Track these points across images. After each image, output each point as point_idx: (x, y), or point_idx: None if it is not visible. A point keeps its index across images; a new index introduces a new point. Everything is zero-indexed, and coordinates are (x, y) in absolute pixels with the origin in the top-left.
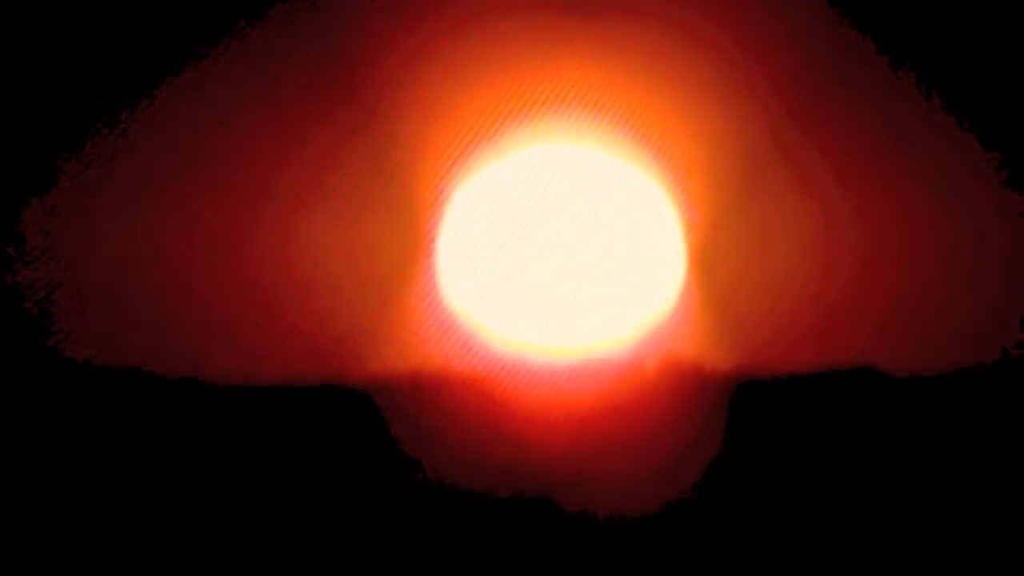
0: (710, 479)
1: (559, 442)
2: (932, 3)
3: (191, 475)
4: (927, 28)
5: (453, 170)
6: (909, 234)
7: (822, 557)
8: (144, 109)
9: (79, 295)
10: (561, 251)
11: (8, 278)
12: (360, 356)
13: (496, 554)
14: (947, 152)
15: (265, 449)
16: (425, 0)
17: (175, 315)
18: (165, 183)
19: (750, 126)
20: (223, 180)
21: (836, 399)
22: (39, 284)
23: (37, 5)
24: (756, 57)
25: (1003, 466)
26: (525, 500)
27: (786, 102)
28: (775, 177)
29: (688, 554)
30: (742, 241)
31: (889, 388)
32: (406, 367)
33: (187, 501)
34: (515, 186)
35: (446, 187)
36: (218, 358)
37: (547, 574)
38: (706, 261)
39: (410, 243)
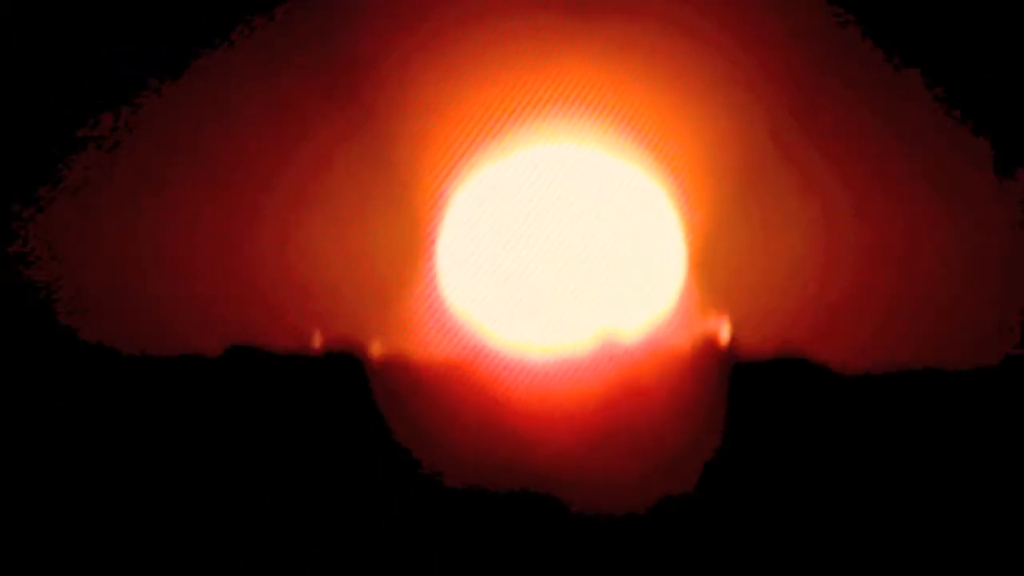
0: (709, 476)
1: (559, 439)
2: (933, 3)
3: (191, 475)
4: (928, 28)
5: (454, 170)
6: (910, 234)
7: (822, 555)
8: (143, 109)
9: (79, 295)
10: (561, 251)
11: (8, 278)
12: (361, 355)
13: (496, 554)
14: (948, 152)
15: (265, 448)
16: (425, 0)
17: (175, 315)
18: (164, 184)
19: (751, 126)
20: (223, 180)
21: (836, 398)
22: (39, 284)
23: (37, 5)
24: (757, 57)
25: (1003, 464)
26: (525, 499)
27: (787, 102)
28: (776, 177)
29: (686, 548)
30: (743, 241)
31: (890, 387)
32: (407, 366)
33: (187, 500)
34: (516, 186)
35: (446, 187)
36: (217, 358)
37: (547, 573)
38: (707, 261)
39: (410, 243)
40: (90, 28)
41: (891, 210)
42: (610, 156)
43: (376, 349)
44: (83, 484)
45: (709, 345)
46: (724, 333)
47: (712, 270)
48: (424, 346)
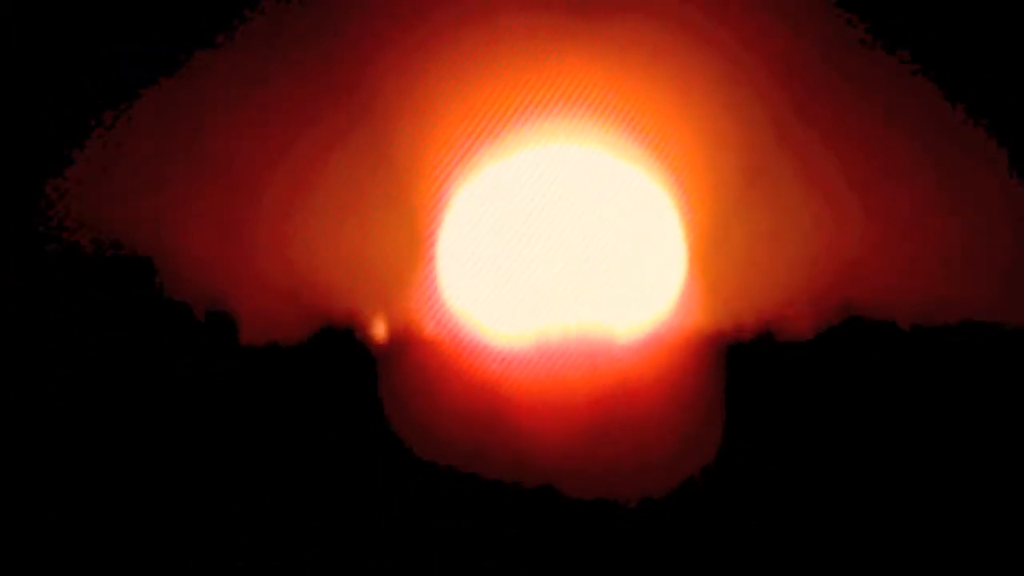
0: (710, 475)
1: (560, 437)
2: None
3: (191, 474)
4: (932, 20)
5: (454, 170)
6: (917, 231)
7: (821, 553)
8: (140, 107)
9: (79, 293)
10: (562, 251)
11: (8, 278)
12: (360, 354)
13: (496, 554)
14: (954, 145)
15: (265, 447)
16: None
17: (174, 314)
18: (163, 184)
19: (754, 125)
20: (222, 180)
21: (837, 396)
22: (39, 283)
23: (37, 5)
24: (760, 54)
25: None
26: (525, 499)
27: (790, 98)
28: (780, 174)
29: (687, 542)
30: (746, 240)
31: (894, 385)
32: (407, 366)
33: (187, 500)
34: (516, 186)
35: (447, 187)
36: (217, 358)
37: (547, 572)
38: (708, 260)
39: (410, 243)
40: (90, 26)
41: (898, 207)
42: (611, 156)
43: (376, 348)
44: (83, 484)
45: (709, 343)
46: (724, 331)
47: (714, 269)
48: (424, 345)
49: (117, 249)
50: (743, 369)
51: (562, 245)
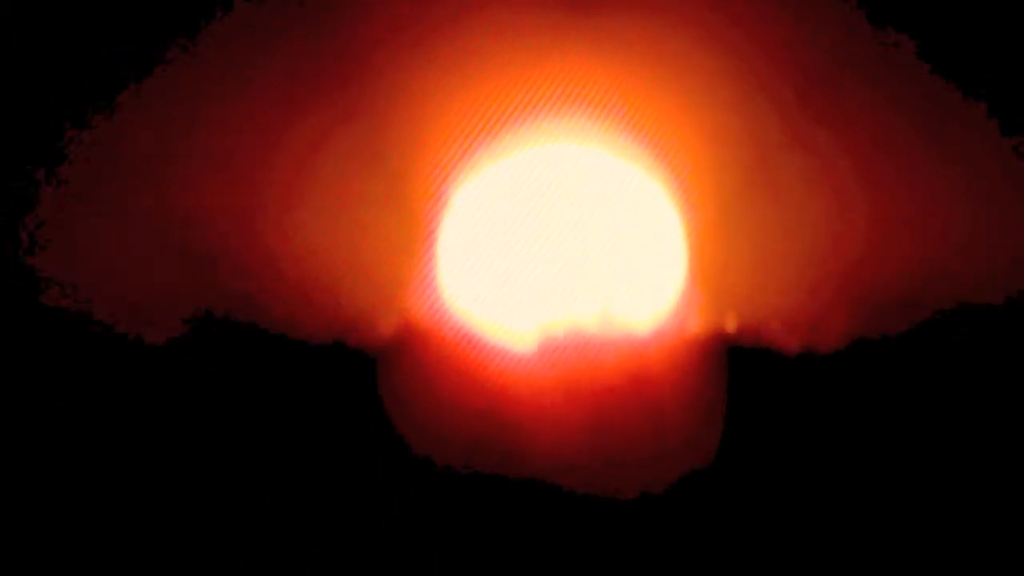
0: (709, 472)
1: (561, 436)
2: None
3: (191, 472)
4: (941, 11)
5: (454, 169)
6: (925, 229)
7: (821, 553)
8: (138, 105)
9: (78, 292)
10: (562, 250)
11: (8, 277)
12: (360, 353)
13: (496, 554)
14: (965, 141)
15: (264, 446)
16: None
17: (172, 315)
18: (162, 182)
19: (758, 120)
20: (220, 180)
21: (840, 396)
22: (39, 282)
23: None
24: (762, 46)
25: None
26: (525, 499)
27: (795, 93)
28: (784, 172)
29: (687, 542)
30: (748, 239)
31: (898, 384)
32: (407, 364)
33: (187, 499)
34: (516, 186)
35: (446, 187)
36: (216, 356)
37: (547, 572)
38: (709, 259)
39: (410, 242)
40: (83, 24)
41: (905, 201)
42: (611, 155)
43: (375, 346)
44: (83, 484)
45: (711, 342)
46: (725, 329)
47: (716, 267)
48: (424, 344)
49: (117, 248)
50: (745, 368)
51: (562, 244)
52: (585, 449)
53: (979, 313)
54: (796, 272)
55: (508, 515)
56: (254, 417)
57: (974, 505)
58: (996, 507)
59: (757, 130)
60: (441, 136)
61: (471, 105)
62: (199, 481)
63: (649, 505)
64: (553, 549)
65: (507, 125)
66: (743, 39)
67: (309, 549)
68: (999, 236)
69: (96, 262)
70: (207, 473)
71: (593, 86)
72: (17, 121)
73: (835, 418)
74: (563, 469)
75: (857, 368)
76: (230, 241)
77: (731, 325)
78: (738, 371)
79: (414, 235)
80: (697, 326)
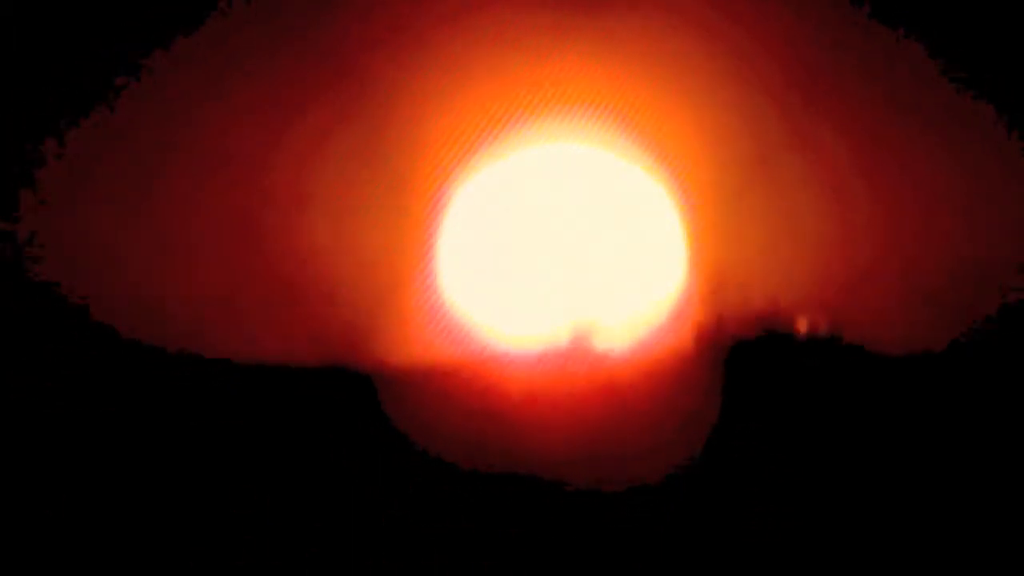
0: (709, 471)
1: (561, 435)
2: None
3: (191, 474)
4: (942, 10)
5: (454, 170)
6: (926, 229)
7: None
8: (138, 104)
9: (78, 292)
10: (561, 250)
11: (8, 277)
12: (362, 354)
13: (496, 554)
14: (966, 139)
15: (264, 447)
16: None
17: (172, 316)
18: (161, 181)
19: (759, 119)
20: (220, 180)
21: (840, 395)
22: (39, 283)
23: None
24: (763, 43)
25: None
26: (525, 498)
27: (796, 92)
28: (785, 170)
29: (687, 541)
30: (749, 238)
31: (898, 382)
32: (408, 365)
33: (187, 500)
34: (517, 185)
35: (447, 187)
36: (216, 359)
37: (547, 572)
38: (710, 258)
39: (410, 243)
40: (83, 23)
41: (906, 200)
42: (611, 155)
43: (376, 347)
44: (83, 484)
45: (711, 341)
46: (724, 328)
47: (716, 266)
48: (424, 345)
49: (116, 248)
50: (743, 366)
51: (562, 244)
52: (585, 448)
53: (979, 313)
54: (796, 270)
55: (508, 515)
56: (254, 417)
57: (974, 505)
58: (996, 507)
59: (757, 129)
60: (441, 136)
61: (471, 105)
62: (199, 481)
63: (649, 504)
64: (553, 549)
65: (507, 125)
66: (743, 39)
67: (309, 549)
68: (1000, 236)
69: (96, 262)
70: (207, 473)
71: (593, 86)
72: (17, 121)
73: (835, 418)
74: (563, 468)
75: (856, 367)
76: (230, 241)
77: (730, 323)
78: (737, 369)
79: (415, 235)
80: (696, 325)
